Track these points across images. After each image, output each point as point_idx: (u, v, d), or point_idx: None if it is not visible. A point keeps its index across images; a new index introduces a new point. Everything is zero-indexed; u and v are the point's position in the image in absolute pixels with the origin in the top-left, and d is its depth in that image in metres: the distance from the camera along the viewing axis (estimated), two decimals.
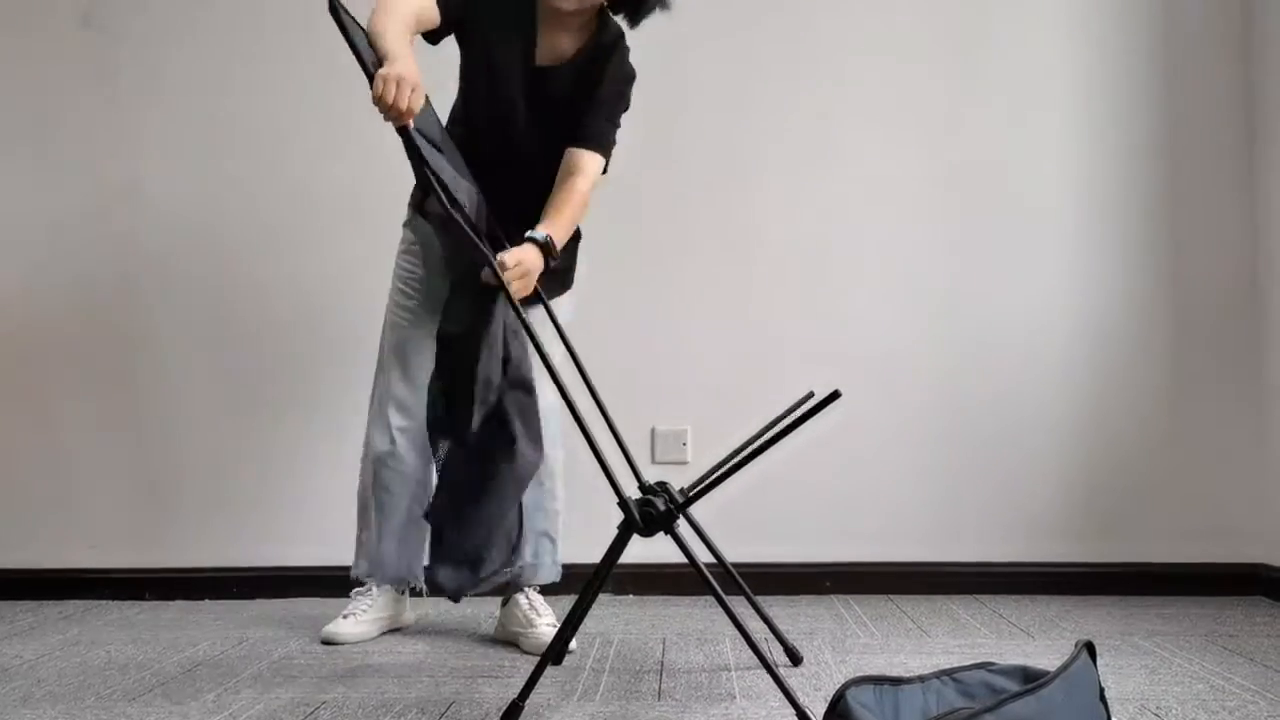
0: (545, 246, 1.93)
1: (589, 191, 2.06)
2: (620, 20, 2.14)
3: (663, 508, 1.68)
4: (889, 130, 2.77)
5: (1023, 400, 2.72)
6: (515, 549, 1.82)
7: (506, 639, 2.25)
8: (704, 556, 1.75)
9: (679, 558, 1.68)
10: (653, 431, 2.74)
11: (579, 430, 1.68)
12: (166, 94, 2.86)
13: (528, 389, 1.80)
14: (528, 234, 1.93)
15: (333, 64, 2.77)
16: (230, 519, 2.80)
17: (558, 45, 2.09)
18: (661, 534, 1.69)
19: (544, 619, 2.21)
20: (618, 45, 2.12)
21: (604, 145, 2.08)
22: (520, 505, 1.82)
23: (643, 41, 2.70)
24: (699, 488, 1.74)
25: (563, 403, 1.69)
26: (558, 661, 2.01)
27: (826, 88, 2.78)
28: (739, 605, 1.77)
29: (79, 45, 2.86)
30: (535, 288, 1.95)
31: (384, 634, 2.33)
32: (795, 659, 1.99)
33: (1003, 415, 2.73)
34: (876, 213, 2.76)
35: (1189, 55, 2.73)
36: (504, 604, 2.29)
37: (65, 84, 2.87)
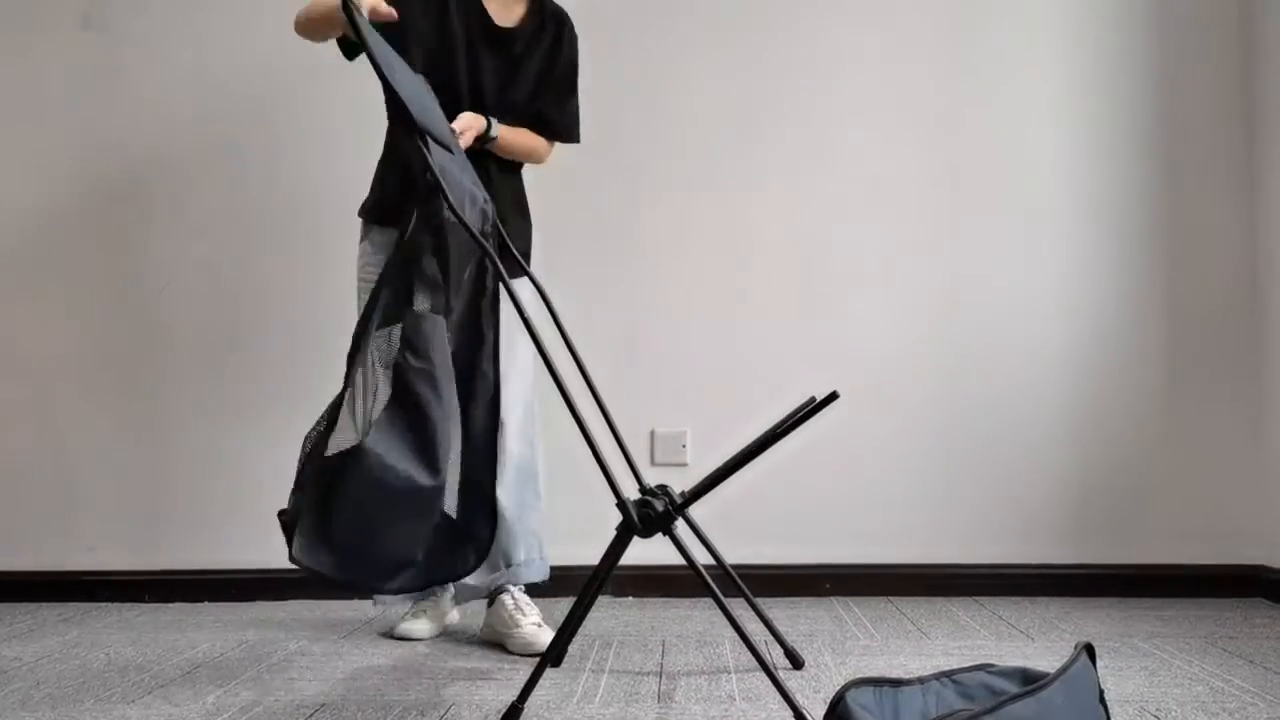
0: (488, 124, 2.14)
1: (545, 156, 2.34)
2: None
3: (661, 509, 1.68)
4: (887, 132, 2.77)
5: (1021, 401, 2.72)
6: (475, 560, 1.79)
7: (493, 640, 2.24)
8: (704, 558, 1.75)
9: (679, 560, 1.68)
10: (652, 434, 2.74)
11: (579, 431, 1.67)
12: (167, 95, 2.85)
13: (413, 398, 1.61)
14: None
15: (335, 64, 2.78)
16: (229, 521, 2.80)
17: (501, 9, 2.24)
18: (660, 536, 1.69)
19: (530, 619, 2.19)
20: (567, 21, 2.30)
21: (576, 135, 2.35)
22: (497, 513, 1.80)
23: (641, 43, 2.71)
24: (697, 490, 1.74)
25: (564, 402, 1.68)
26: (557, 664, 2.01)
27: (824, 88, 2.78)
28: (739, 607, 1.77)
29: (79, 45, 2.86)
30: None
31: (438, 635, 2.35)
32: (796, 662, 1.99)
33: (1001, 416, 2.73)
34: (874, 214, 2.76)
35: (1186, 55, 2.73)
36: (490, 604, 2.28)
37: (65, 84, 2.87)
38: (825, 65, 2.78)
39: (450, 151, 1.86)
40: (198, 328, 2.83)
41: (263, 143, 2.83)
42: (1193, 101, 2.72)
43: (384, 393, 1.60)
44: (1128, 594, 2.63)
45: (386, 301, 1.63)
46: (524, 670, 1.99)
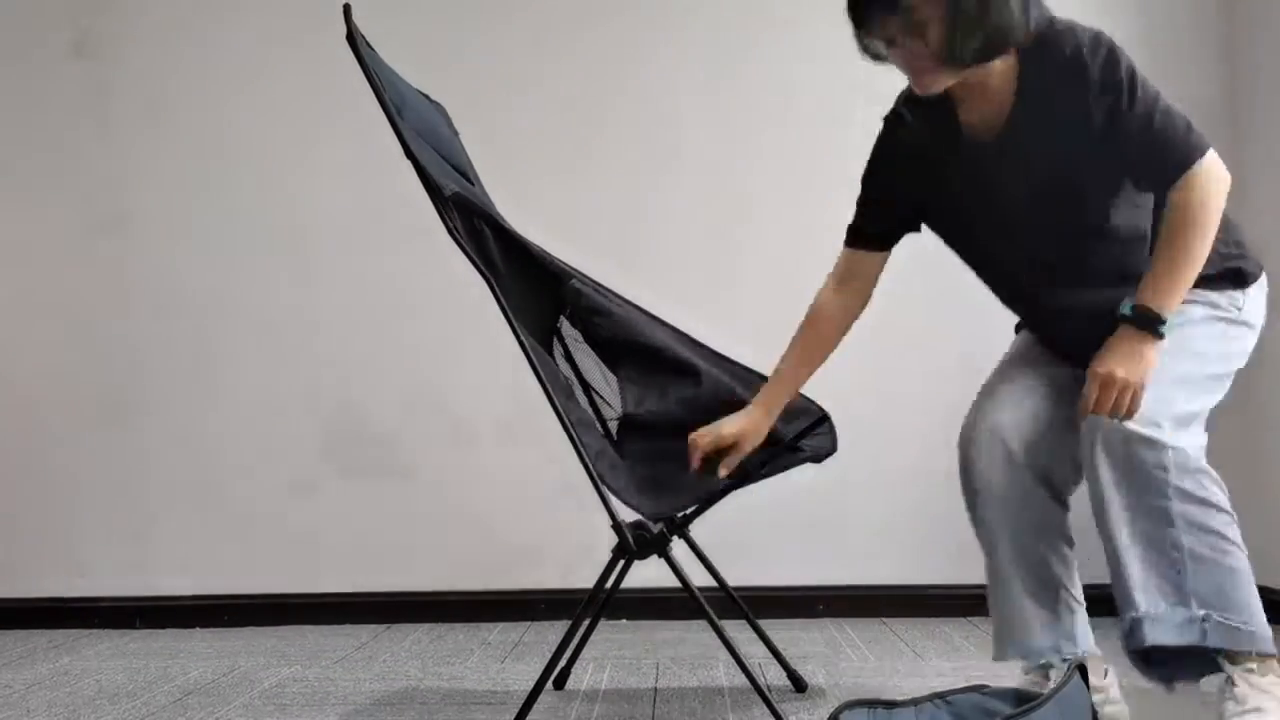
0: (1138, 320, 1.48)
1: (1200, 203, 1.51)
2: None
3: (656, 531, 1.68)
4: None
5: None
6: None
7: None
8: (702, 581, 1.75)
9: (673, 583, 1.68)
10: None
11: (576, 452, 1.68)
12: (158, 123, 2.86)
13: None
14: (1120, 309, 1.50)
15: (328, 91, 2.80)
16: (221, 547, 2.79)
17: (987, 110, 1.57)
18: (655, 558, 1.70)
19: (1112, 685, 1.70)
20: (1055, 42, 1.49)
21: (1187, 151, 1.51)
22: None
23: (634, 58, 2.73)
24: (693, 512, 1.75)
25: (560, 422, 1.69)
26: (560, 686, 2.01)
27: (813, 108, 2.80)
28: (737, 630, 1.77)
29: (70, 74, 2.87)
30: None
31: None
32: (799, 685, 1.98)
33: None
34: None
35: (1170, 59, 2.74)
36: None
37: (56, 113, 2.87)
38: (813, 82, 2.79)
39: (470, 182, 1.88)
40: (188, 357, 2.83)
41: (252, 171, 2.84)
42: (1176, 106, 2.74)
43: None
44: None
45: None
46: (520, 695, 1.98)
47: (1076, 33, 1.49)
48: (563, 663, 2.01)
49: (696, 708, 1.88)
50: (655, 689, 2.02)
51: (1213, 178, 1.53)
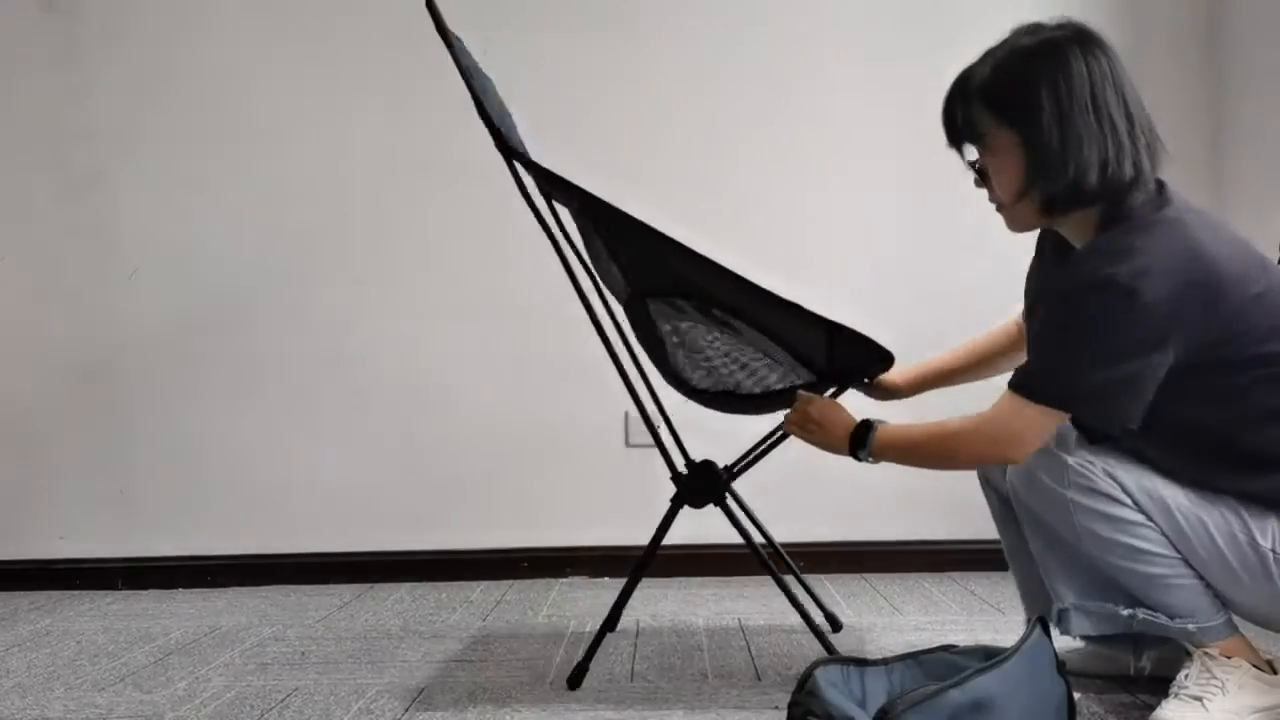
0: (860, 432, 1.71)
1: (975, 430, 1.57)
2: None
3: (710, 481, 1.82)
4: (863, 139, 2.76)
5: (993, 379, 2.73)
6: None
7: None
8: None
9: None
10: (626, 415, 2.72)
11: (636, 408, 1.81)
12: (134, 76, 2.80)
13: None
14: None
15: (311, 43, 2.75)
16: (203, 507, 2.79)
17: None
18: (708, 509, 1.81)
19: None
20: (1096, 250, 1.42)
21: (1026, 377, 1.47)
22: None
23: (625, 41, 2.68)
24: (743, 463, 1.91)
25: (623, 381, 1.82)
26: (611, 628, 2.00)
27: (803, 101, 2.76)
28: (759, 585, 1.79)
29: (40, 29, 2.80)
30: None
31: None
32: (835, 625, 2.11)
33: (974, 391, 2.73)
34: (856, 205, 2.75)
35: (1156, 64, 2.71)
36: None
37: (27, 69, 2.81)
38: (806, 82, 2.75)
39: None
40: (167, 313, 2.80)
41: (234, 128, 2.78)
42: (1160, 115, 2.71)
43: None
44: None
45: None
46: (500, 657, 1.99)
47: (1110, 259, 1.37)
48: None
49: (676, 664, 1.90)
50: (635, 648, 2.04)
51: (1006, 422, 1.49)
